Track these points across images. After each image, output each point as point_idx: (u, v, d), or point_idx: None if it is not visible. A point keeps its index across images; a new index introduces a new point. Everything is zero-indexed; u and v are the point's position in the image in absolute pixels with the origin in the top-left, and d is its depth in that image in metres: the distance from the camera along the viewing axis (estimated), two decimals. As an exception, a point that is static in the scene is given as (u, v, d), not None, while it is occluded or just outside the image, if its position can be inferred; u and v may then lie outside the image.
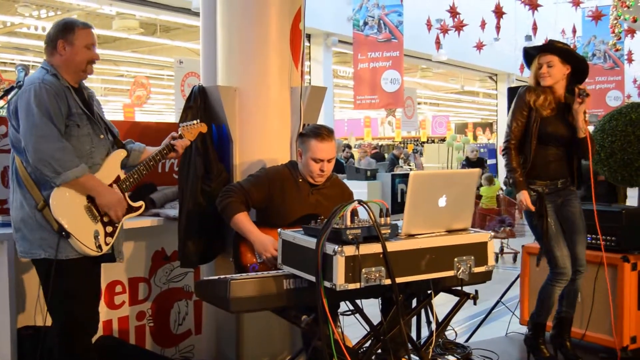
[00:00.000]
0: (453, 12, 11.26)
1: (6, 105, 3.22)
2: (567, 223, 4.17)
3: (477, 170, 3.13)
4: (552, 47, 4.11)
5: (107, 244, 3.31)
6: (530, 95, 4.11)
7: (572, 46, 15.58)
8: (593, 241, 4.45)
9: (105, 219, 3.31)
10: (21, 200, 3.22)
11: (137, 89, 14.85)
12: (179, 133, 3.67)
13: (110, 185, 3.35)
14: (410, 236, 2.89)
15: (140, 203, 3.50)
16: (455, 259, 2.93)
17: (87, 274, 3.31)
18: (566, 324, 4.33)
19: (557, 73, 4.08)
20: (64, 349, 3.27)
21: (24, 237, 3.22)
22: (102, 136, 3.38)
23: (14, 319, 3.46)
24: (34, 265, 3.33)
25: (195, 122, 3.77)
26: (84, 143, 3.27)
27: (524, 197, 4.04)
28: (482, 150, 18.43)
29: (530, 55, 4.22)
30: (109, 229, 3.32)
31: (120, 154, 3.47)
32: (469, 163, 14.16)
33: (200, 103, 4.01)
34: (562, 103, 4.14)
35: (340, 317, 3.40)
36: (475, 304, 3.27)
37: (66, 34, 3.30)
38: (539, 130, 4.06)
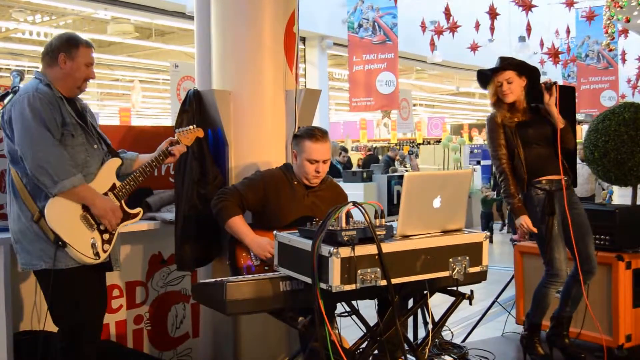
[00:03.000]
0: (447, 13, 11.29)
1: (0, 115, 3.23)
2: (577, 226, 4.16)
3: (470, 170, 3.14)
4: (507, 65, 4.17)
5: (105, 251, 3.30)
6: (498, 116, 4.19)
7: (565, 47, 15.65)
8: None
9: (102, 227, 3.31)
10: (18, 212, 3.23)
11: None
12: (176, 139, 3.67)
13: (106, 193, 3.35)
14: (406, 237, 2.90)
15: (138, 210, 3.51)
16: (450, 260, 2.95)
17: (87, 282, 3.31)
18: (566, 322, 4.34)
19: (517, 88, 4.16)
20: (68, 357, 3.27)
21: (24, 249, 3.22)
22: (95, 146, 3.38)
23: (10, 324, 3.46)
24: (36, 277, 3.33)
25: (191, 127, 3.77)
26: (78, 152, 3.28)
27: (524, 221, 4.07)
28: (476, 151, 18.40)
29: (485, 75, 4.27)
30: (106, 236, 3.32)
31: (115, 162, 3.47)
32: None
33: (195, 107, 4.03)
34: (528, 111, 4.21)
35: (337, 318, 3.41)
36: (470, 304, 3.27)
37: (70, 48, 3.31)
38: (520, 136, 4.12)
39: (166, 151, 3.61)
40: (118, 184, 3.42)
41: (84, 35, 3.44)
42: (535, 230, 4.08)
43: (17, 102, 3.15)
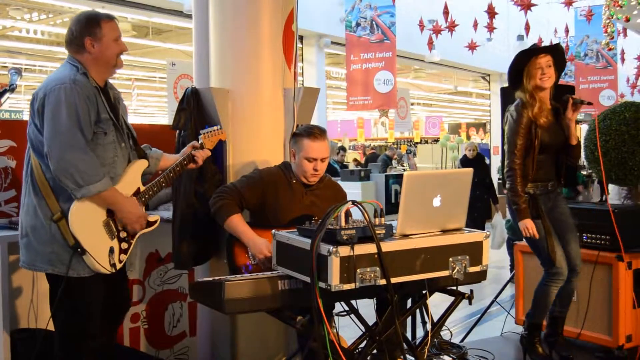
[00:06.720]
0: (446, 12, 11.28)
1: (30, 101, 3.07)
2: (558, 224, 4.17)
3: (471, 170, 3.10)
4: (550, 48, 4.07)
5: (120, 262, 3.19)
6: (526, 108, 4.02)
7: (564, 46, 15.67)
8: (589, 240, 4.45)
9: (122, 235, 3.19)
10: (35, 207, 3.06)
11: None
12: (200, 142, 3.58)
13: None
14: (405, 236, 2.88)
15: (156, 217, 3.40)
16: (450, 259, 2.93)
17: (96, 291, 3.17)
18: (559, 322, 4.33)
19: (554, 74, 4.05)
20: (66, 355, 3.17)
21: (30, 246, 3.08)
22: (123, 144, 3.23)
23: (7, 322, 3.44)
24: (47, 279, 3.20)
25: (215, 128, 3.69)
26: (108, 151, 3.13)
27: (529, 224, 3.99)
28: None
29: (521, 61, 4.07)
30: (124, 245, 3.21)
31: (142, 164, 3.34)
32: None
33: (193, 105, 3.99)
34: (551, 112, 4.13)
35: (336, 317, 3.39)
36: (470, 303, 3.25)
37: (92, 29, 3.12)
38: (541, 140, 4.02)
39: (190, 156, 3.51)
40: (142, 188, 3.29)
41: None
42: (537, 236, 4.01)
43: (52, 92, 2.96)
